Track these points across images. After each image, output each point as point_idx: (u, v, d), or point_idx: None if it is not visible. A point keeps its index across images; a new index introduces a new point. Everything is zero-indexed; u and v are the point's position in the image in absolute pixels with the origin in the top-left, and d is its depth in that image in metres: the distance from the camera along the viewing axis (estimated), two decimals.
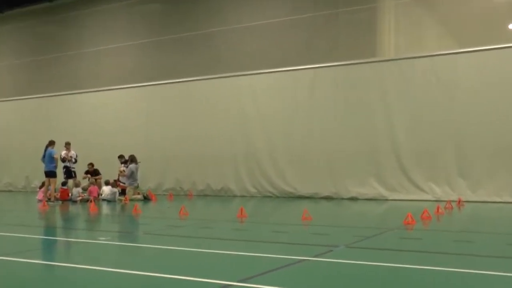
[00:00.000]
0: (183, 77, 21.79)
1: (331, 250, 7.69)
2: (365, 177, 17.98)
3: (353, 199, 18.01)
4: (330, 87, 18.78)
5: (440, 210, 12.91)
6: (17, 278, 6.22)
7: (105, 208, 16.38)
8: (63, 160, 19.80)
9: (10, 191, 26.03)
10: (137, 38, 23.52)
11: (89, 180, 20.32)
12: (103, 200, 18.46)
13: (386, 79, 17.90)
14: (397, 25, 18.36)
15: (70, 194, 18.97)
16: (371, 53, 18.61)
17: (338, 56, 18.93)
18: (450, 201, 15.00)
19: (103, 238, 9.13)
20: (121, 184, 19.74)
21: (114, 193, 18.41)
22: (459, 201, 15.54)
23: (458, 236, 9.75)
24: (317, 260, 7.00)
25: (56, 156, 17.92)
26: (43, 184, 18.66)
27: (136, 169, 19.38)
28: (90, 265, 6.75)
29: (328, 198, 18.40)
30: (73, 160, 19.97)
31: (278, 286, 5.50)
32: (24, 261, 7.18)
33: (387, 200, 17.47)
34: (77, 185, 18.93)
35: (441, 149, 17.07)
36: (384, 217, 14.04)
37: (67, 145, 20.05)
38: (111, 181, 19.37)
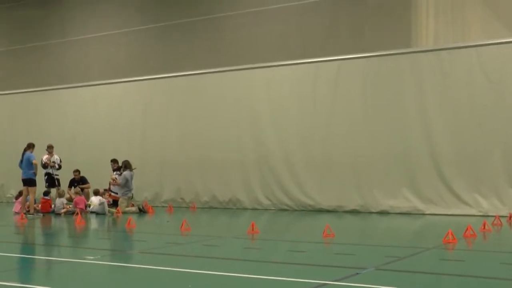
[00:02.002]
0: (185, 70, 21.81)
1: (357, 273, 7.66)
2: (397, 188, 17.90)
3: (383, 213, 17.94)
4: (356, 82, 18.72)
5: (486, 227, 12.81)
6: None
7: (94, 222, 16.46)
8: (45, 166, 19.92)
9: None
10: (132, 25, 23.60)
11: (74, 189, 20.40)
12: (92, 212, 18.53)
13: (423, 73, 17.78)
14: (436, 9, 18.26)
15: (52, 206, 19.06)
16: (405, 43, 18.51)
17: (367, 46, 18.86)
18: (499, 217, 14.86)
19: (91, 257, 9.14)
20: (112, 194, 19.81)
21: (103, 204, 18.45)
22: (510, 216, 15.41)
23: (509, 258, 9.67)
24: (340, 285, 6.97)
25: (36, 161, 18.01)
26: (20, 194, 18.77)
27: (131, 176, 19.44)
28: None
29: (354, 212, 18.34)
30: (56, 166, 20.09)
31: None
32: None
33: (423, 214, 17.36)
34: (61, 195, 19.01)
35: (488, 155, 16.93)
36: (420, 235, 13.99)
37: (50, 149, 20.17)
38: (101, 190, 19.43)
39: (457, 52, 17.47)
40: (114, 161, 20.50)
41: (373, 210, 18.18)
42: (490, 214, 16.21)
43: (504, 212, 16.15)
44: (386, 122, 18.16)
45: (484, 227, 12.75)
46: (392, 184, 17.95)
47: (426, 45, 18.26)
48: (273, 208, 19.77)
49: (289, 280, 7.19)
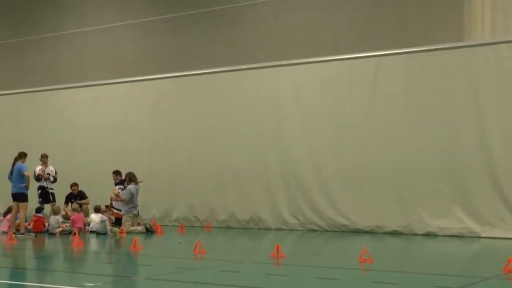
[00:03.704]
0: (199, 69, 21.87)
1: None
2: (447, 206, 17.71)
3: (430, 235, 17.77)
4: (398, 82, 18.61)
5: None
6: None
7: (94, 243, 16.53)
8: (38, 178, 20.02)
9: None
10: (138, 16, 23.74)
11: (71, 205, 20.44)
12: (91, 232, 18.57)
13: (478, 71, 17.60)
14: None
15: (46, 224, 19.14)
16: (456, 35, 18.38)
17: (410, 39, 18.80)
18: None
19: (91, 284, 9.11)
20: (115, 211, 19.83)
21: (104, 222, 18.48)
22: None
23: None
24: None
25: (28, 173, 18.11)
26: (9, 210, 18.89)
27: (136, 191, 19.46)
28: None
29: (395, 234, 18.20)
30: (51, 179, 20.19)
31: None
32: None
33: (479, 237, 17.15)
34: (56, 212, 19.07)
35: None
36: (476, 261, 13.85)
37: (44, 159, 20.28)
38: (102, 207, 19.46)
39: None
40: (116, 173, 20.55)
41: (419, 232, 18.01)
42: None
43: None
44: (434, 128, 18.01)
45: None
46: (441, 201, 17.77)
47: (482, 38, 18.07)
48: (300, 228, 19.70)
49: None
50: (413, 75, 18.49)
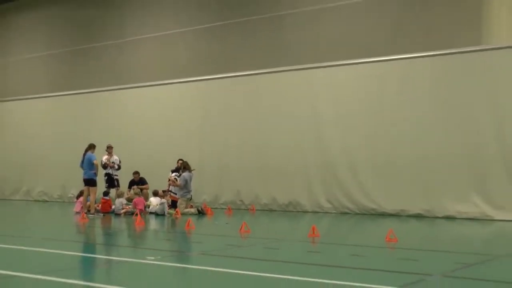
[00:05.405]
0: (245, 70, 21.97)
1: (423, 280, 7.61)
2: (466, 192, 17.59)
3: (450, 218, 17.66)
4: (424, 81, 18.45)
5: None
6: None
7: (153, 223, 16.79)
8: (105, 166, 20.43)
9: (44, 201, 27.07)
10: (191, 24, 23.89)
11: (134, 190, 20.78)
12: (151, 213, 18.91)
13: (497, 72, 17.36)
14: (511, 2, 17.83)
15: (112, 206, 19.54)
16: (476, 39, 18.10)
17: (436, 43, 18.55)
18: None
19: (151, 258, 9.35)
20: (172, 194, 20.11)
21: (163, 204, 18.76)
22: None
23: None
24: None
25: (96, 161, 18.53)
26: (81, 194, 19.35)
27: (190, 178, 19.72)
28: None
29: (418, 217, 18.12)
30: (116, 167, 20.59)
31: None
32: (58, 281, 7.52)
33: (493, 220, 16.99)
34: (120, 195, 19.46)
35: None
36: (490, 241, 13.73)
37: (109, 149, 20.68)
38: (160, 191, 19.77)
39: None
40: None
41: (439, 215, 17.91)
42: None
43: None
44: (456, 123, 17.86)
45: None
46: (460, 188, 17.64)
47: (499, 41, 17.75)
48: (334, 212, 19.72)
49: (352, 285, 7.21)
50: (437, 77, 18.31)
